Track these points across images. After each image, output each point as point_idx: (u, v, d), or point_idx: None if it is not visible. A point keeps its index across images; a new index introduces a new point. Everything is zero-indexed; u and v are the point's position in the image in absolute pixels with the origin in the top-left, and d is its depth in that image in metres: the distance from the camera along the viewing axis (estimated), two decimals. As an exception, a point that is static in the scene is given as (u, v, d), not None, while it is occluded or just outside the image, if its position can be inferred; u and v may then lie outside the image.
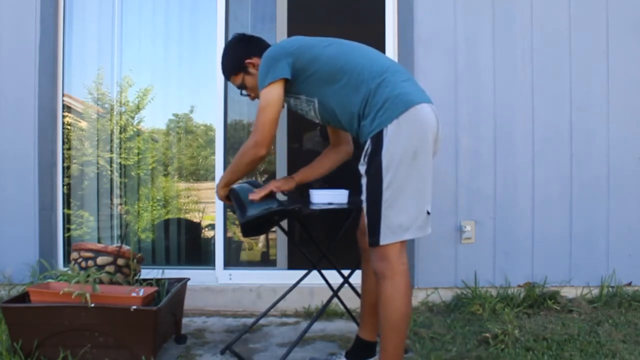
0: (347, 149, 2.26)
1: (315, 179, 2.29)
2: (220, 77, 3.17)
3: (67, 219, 3.27)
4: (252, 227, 2.13)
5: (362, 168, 1.88)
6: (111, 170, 3.44)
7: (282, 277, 3.08)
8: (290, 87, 1.99)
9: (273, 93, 1.92)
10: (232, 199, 2.13)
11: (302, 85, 1.98)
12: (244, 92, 2.17)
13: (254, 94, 2.14)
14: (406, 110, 1.82)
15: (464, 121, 3.07)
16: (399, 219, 1.82)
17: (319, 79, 1.95)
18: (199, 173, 3.58)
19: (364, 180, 1.87)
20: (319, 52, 1.95)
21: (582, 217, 3.07)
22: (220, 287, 3.09)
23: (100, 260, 2.36)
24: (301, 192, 2.40)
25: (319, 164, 2.26)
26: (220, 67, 2.21)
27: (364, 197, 1.88)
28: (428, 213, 1.87)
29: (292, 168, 3.48)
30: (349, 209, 2.19)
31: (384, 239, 1.82)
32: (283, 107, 2.01)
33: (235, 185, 2.14)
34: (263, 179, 3.84)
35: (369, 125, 1.86)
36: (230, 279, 3.16)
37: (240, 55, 2.12)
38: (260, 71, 1.97)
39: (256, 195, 2.05)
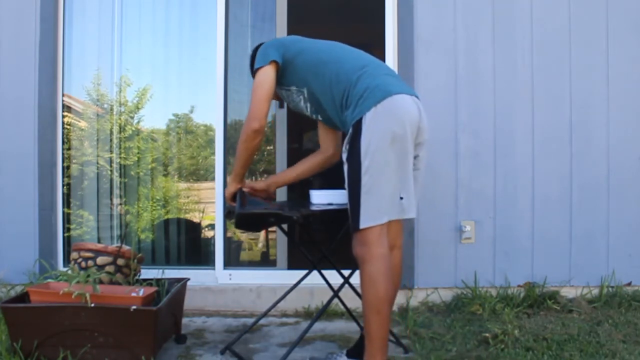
0: (329, 156, 2.33)
1: (289, 183, 2.42)
2: (220, 77, 3.18)
3: (67, 219, 3.27)
4: (245, 220, 2.18)
5: (344, 155, 1.95)
6: (111, 170, 3.44)
7: (282, 277, 3.08)
8: (282, 79, 2.13)
9: (264, 74, 2.07)
10: (237, 197, 2.19)
11: (292, 77, 2.12)
12: None
13: None
14: (384, 99, 1.89)
15: (464, 121, 3.07)
16: (377, 203, 1.88)
17: (306, 70, 2.09)
18: (198, 173, 3.57)
19: (345, 167, 1.94)
20: (306, 46, 2.13)
21: (582, 217, 3.07)
22: (220, 287, 3.09)
23: (100, 260, 2.36)
24: (302, 194, 2.40)
25: (294, 168, 2.37)
26: None
27: (345, 184, 1.93)
28: (401, 198, 1.92)
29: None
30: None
31: (363, 223, 1.87)
32: (281, 105, 2.08)
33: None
34: (263, 178, 3.83)
35: (351, 114, 1.94)
36: (230, 279, 3.16)
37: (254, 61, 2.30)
38: (255, 60, 2.13)
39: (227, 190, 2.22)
